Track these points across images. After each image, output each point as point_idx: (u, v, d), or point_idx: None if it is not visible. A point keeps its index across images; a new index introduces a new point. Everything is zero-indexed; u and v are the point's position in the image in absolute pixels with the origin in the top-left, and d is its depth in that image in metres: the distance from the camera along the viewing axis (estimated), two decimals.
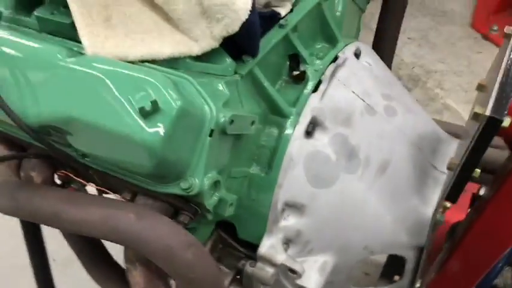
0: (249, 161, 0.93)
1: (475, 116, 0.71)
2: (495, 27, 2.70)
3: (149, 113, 0.65)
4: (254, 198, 0.94)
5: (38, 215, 0.79)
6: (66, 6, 0.77)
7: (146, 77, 0.68)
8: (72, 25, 0.78)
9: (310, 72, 0.97)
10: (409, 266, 1.02)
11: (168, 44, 0.80)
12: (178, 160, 0.71)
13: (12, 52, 0.76)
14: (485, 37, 2.77)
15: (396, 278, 1.15)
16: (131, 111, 0.66)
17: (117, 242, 0.72)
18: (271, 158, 0.92)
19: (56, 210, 0.77)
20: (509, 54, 0.73)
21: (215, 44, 0.82)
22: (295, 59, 0.97)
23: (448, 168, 0.81)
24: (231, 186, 0.89)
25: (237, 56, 0.88)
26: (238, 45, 0.86)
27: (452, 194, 0.81)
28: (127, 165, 0.72)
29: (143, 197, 0.80)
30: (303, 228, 0.94)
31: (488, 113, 0.67)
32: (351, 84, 0.98)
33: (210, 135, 0.74)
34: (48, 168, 0.89)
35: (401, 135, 0.98)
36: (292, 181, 0.92)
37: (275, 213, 0.93)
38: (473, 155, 0.73)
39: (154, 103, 0.65)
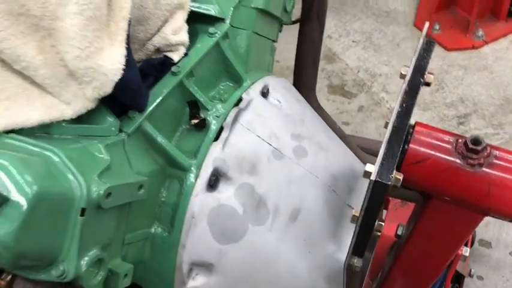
0: (149, 221, 0.86)
1: (366, 174, 0.66)
2: (437, 26, 2.69)
3: None
4: (158, 260, 0.87)
5: None
6: None
7: None
8: None
9: (211, 119, 0.91)
10: None
11: (38, 109, 0.72)
12: (43, 248, 0.64)
13: None
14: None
15: None
16: None
17: None
18: (173, 215, 0.86)
19: None
20: (399, 106, 0.68)
21: (91, 105, 0.75)
22: (195, 106, 0.91)
23: (352, 221, 0.77)
24: (128, 253, 0.82)
25: (122, 113, 0.81)
26: (122, 102, 0.79)
27: (357, 248, 0.76)
28: None
29: (22, 280, 0.73)
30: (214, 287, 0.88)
31: (373, 177, 0.62)
32: (256, 128, 0.92)
33: (82, 215, 0.67)
34: None
35: (313, 178, 0.93)
36: (196, 240, 0.85)
37: (181, 275, 0.87)
38: (368, 215, 0.68)
39: None
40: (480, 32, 2.62)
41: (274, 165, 0.91)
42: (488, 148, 0.71)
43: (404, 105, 0.69)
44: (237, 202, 0.87)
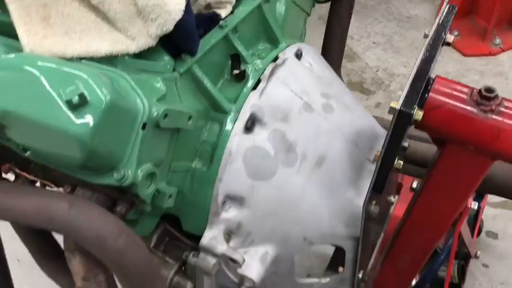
0: (191, 156, 0.97)
1: (391, 110, 0.76)
2: (456, 33, 2.79)
3: (77, 105, 0.68)
4: (196, 191, 0.97)
5: None
6: None
7: (77, 72, 0.72)
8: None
9: (250, 71, 1.01)
10: (349, 256, 1.07)
11: (106, 42, 0.83)
12: (109, 151, 0.75)
13: None
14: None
15: (341, 269, 1.19)
16: (61, 104, 0.69)
17: (51, 230, 0.75)
18: (213, 152, 0.96)
19: None
20: (423, 54, 0.78)
21: (152, 43, 0.86)
22: (237, 59, 1.01)
23: (374, 161, 0.86)
24: (173, 179, 0.92)
25: (176, 55, 0.92)
26: (177, 44, 0.90)
27: (377, 184, 0.85)
28: (61, 157, 0.75)
29: (82, 189, 0.83)
30: (243, 220, 0.98)
31: (398, 106, 0.72)
32: (290, 83, 1.02)
33: (143, 128, 0.77)
34: None
35: (338, 132, 1.03)
36: (232, 175, 0.96)
37: (216, 206, 0.97)
38: (390, 147, 0.78)
39: (81, 96, 0.68)
40: (497, 40, 2.72)
41: (304, 116, 1.01)
42: (500, 97, 0.80)
43: (427, 53, 0.79)
44: (270, 145, 0.97)
